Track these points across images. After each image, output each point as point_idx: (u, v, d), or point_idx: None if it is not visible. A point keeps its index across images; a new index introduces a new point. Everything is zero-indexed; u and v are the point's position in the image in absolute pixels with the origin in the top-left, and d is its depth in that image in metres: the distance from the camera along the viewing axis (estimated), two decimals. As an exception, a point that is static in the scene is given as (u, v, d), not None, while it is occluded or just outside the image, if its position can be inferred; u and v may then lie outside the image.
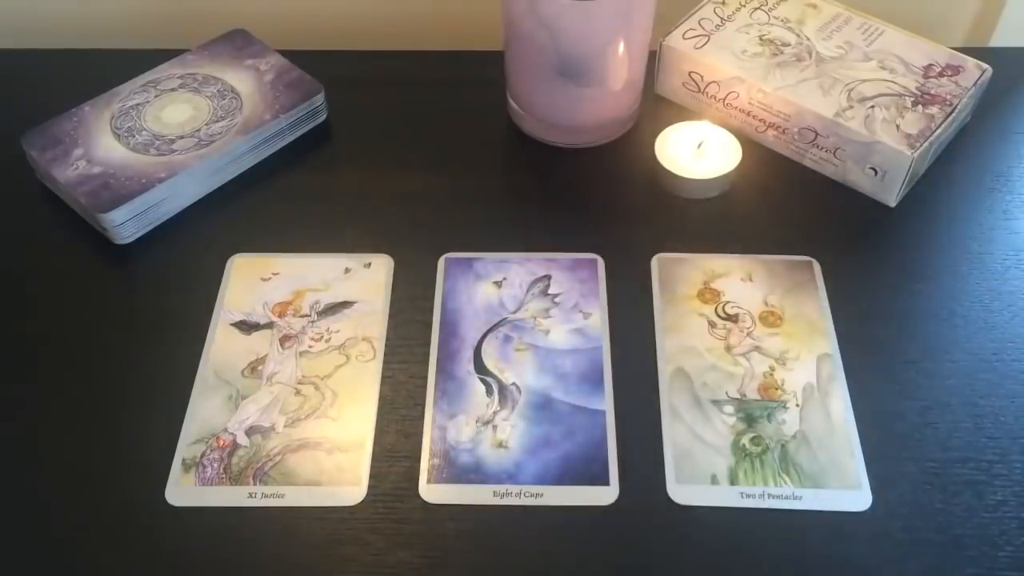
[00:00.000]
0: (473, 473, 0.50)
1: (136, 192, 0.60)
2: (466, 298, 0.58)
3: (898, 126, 0.61)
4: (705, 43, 0.67)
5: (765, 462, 0.51)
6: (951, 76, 0.64)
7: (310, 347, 0.56)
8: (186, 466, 0.51)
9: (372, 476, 0.50)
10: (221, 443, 0.52)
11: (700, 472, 0.50)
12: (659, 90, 0.70)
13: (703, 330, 0.56)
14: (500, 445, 0.51)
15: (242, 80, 0.67)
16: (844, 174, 0.63)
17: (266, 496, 0.50)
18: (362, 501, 0.50)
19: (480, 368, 0.55)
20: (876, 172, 0.62)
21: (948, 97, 0.63)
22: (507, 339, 0.56)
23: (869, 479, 0.50)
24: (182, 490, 0.50)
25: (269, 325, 0.57)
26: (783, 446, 0.51)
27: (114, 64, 0.69)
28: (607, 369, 0.54)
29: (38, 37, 0.79)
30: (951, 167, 0.65)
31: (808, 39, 0.67)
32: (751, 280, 0.58)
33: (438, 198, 0.64)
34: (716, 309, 0.57)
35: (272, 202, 0.64)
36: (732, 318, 0.57)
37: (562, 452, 0.51)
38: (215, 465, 0.51)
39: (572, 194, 0.64)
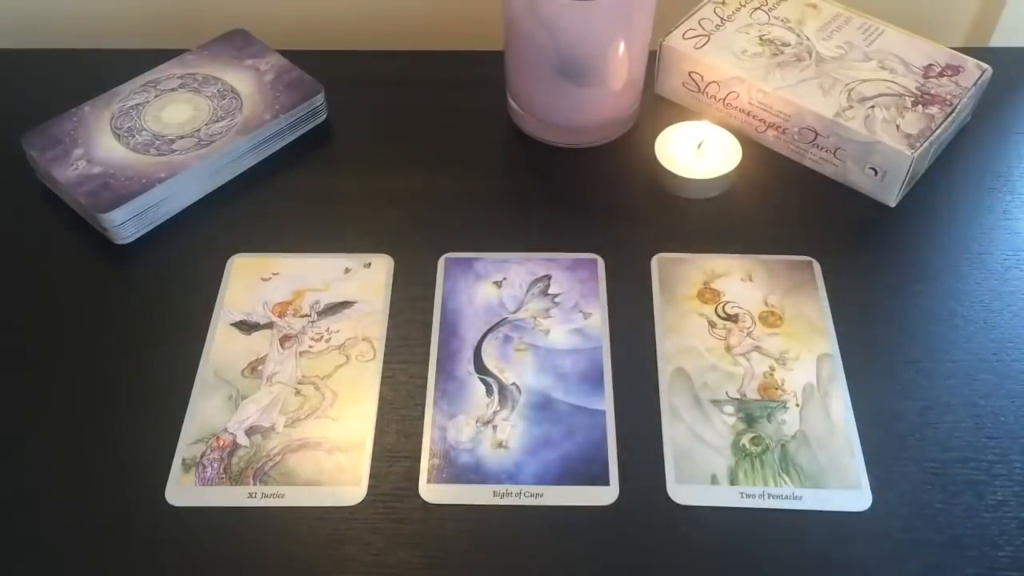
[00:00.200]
0: (473, 473, 0.50)
1: (136, 192, 0.60)
2: (466, 298, 0.58)
3: (898, 126, 0.61)
4: (705, 43, 0.67)
5: (765, 462, 0.51)
6: (951, 76, 0.64)
7: (310, 347, 0.56)
8: (186, 466, 0.51)
9: (372, 476, 0.50)
10: (221, 443, 0.52)
11: (700, 472, 0.50)
12: (659, 90, 0.70)
13: (703, 330, 0.56)
14: (500, 445, 0.51)
15: (242, 80, 0.67)
16: (844, 174, 0.63)
17: (266, 496, 0.50)
18: (362, 501, 0.50)
19: (480, 368, 0.55)
20: (876, 172, 0.62)
21: (948, 97, 0.63)
22: (507, 339, 0.56)
23: (869, 479, 0.50)
24: (182, 490, 0.50)
25: (269, 325, 0.57)
26: (783, 446, 0.51)
27: (114, 64, 0.69)
28: (607, 369, 0.54)
29: (38, 37, 0.79)
30: (951, 167, 0.65)
31: (808, 39, 0.67)
32: (751, 280, 0.59)
33: (438, 198, 0.64)
34: (716, 309, 0.57)
35: (272, 202, 0.64)
36: (732, 318, 0.57)
37: (562, 452, 0.51)
38: (215, 465, 0.51)
39: (572, 194, 0.64)
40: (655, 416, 0.52)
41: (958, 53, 0.66)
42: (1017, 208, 0.63)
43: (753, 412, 0.53)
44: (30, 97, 0.70)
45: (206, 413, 0.53)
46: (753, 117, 0.66)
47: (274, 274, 0.59)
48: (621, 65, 0.62)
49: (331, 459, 0.51)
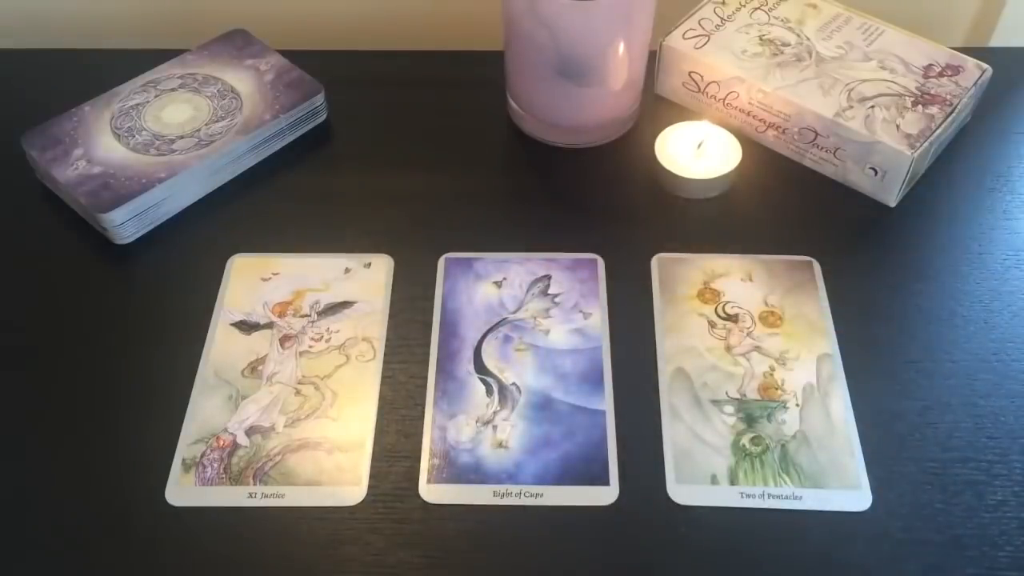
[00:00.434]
0: (473, 473, 0.50)
1: (136, 192, 0.60)
2: (466, 298, 0.58)
3: (898, 126, 0.61)
4: (705, 43, 0.67)
5: (765, 462, 0.51)
6: (951, 76, 0.64)
7: (310, 347, 0.56)
8: (186, 466, 0.51)
9: (372, 476, 0.50)
10: (221, 443, 0.52)
11: (700, 472, 0.50)
12: (659, 90, 0.70)
13: (703, 330, 0.56)
14: (500, 445, 0.51)
15: (242, 80, 0.67)
16: (844, 174, 0.63)
17: (266, 496, 0.50)
18: (362, 501, 0.50)
19: (480, 368, 0.55)
20: (876, 172, 0.62)
21: (948, 97, 0.63)
22: (507, 339, 0.56)
23: (869, 479, 0.50)
24: (182, 490, 0.50)
25: (269, 325, 0.57)
26: (783, 446, 0.51)
27: (114, 64, 0.69)
28: (607, 369, 0.54)
29: (38, 37, 0.79)
30: (951, 167, 0.65)
31: (808, 39, 0.67)
32: (751, 280, 0.59)
33: (438, 198, 0.64)
34: (716, 309, 0.57)
35: (272, 202, 0.64)
36: (732, 318, 0.57)
37: (562, 452, 0.51)
38: (215, 465, 0.51)
39: (572, 194, 0.64)
40: (655, 416, 0.52)
41: (958, 53, 0.66)
42: (1017, 208, 0.63)
43: (753, 412, 0.52)
44: (30, 97, 0.70)
45: (206, 413, 0.53)
46: (753, 117, 0.66)
47: (274, 274, 0.59)
48: (621, 65, 0.62)
49: (331, 459, 0.51)
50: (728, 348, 0.55)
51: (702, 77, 0.67)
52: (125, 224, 0.60)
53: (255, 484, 0.50)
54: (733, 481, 0.50)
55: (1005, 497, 0.49)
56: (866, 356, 0.55)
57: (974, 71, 0.65)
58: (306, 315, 0.57)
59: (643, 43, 0.63)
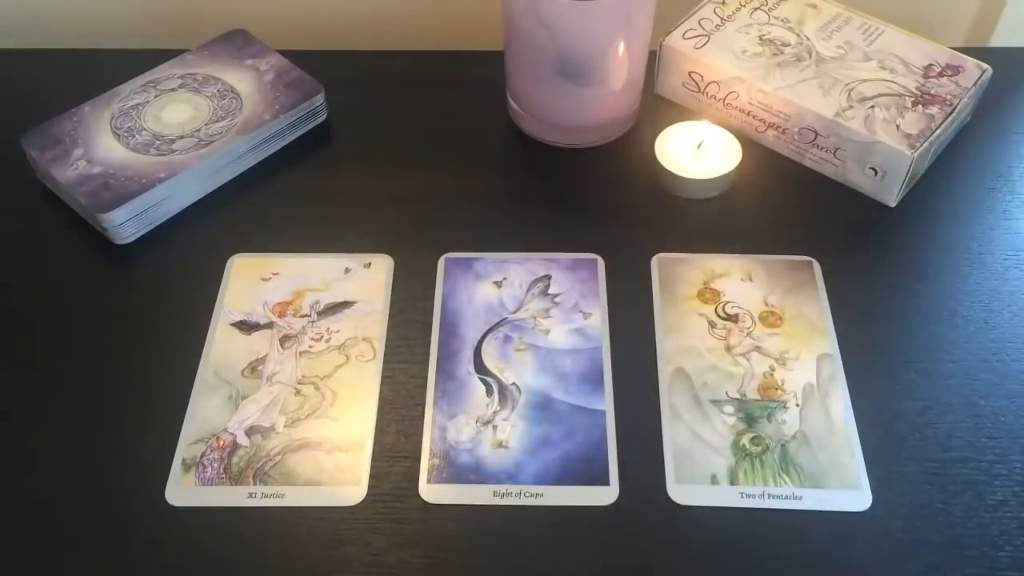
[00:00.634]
0: (473, 473, 0.50)
1: (136, 192, 0.60)
2: (466, 298, 0.58)
3: (898, 126, 0.61)
4: (705, 43, 0.67)
5: (765, 462, 0.51)
6: (951, 76, 0.64)
7: (310, 347, 0.56)
8: (186, 466, 0.51)
9: (372, 476, 0.50)
10: (221, 443, 0.52)
11: (700, 472, 0.50)
12: (659, 90, 0.70)
13: (703, 330, 0.56)
14: (500, 445, 0.51)
15: (242, 80, 0.67)
16: (844, 174, 0.63)
17: (266, 496, 0.50)
18: (362, 501, 0.50)
19: (480, 368, 0.55)
20: (876, 172, 0.62)
21: (948, 97, 0.63)
22: (507, 339, 0.56)
23: (869, 479, 0.50)
24: (182, 490, 0.50)
25: (269, 325, 0.57)
26: (783, 446, 0.51)
27: (114, 64, 0.69)
28: (607, 369, 0.54)
29: (38, 37, 0.79)
30: (951, 167, 0.65)
31: (808, 39, 0.67)
32: (751, 280, 0.59)
33: (438, 198, 0.64)
34: (716, 309, 0.57)
35: (272, 202, 0.64)
36: (732, 318, 0.57)
37: (562, 452, 0.51)
38: (215, 465, 0.51)
39: (572, 194, 0.64)
40: (655, 416, 0.52)
41: (958, 53, 0.66)
42: (1017, 208, 0.63)
43: (753, 412, 0.52)
44: (30, 97, 0.70)
45: (206, 413, 0.53)
46: (753, 117, 0.66)
47: (274, 274, 0.59)
48: (621, 65, 0.62)
49: (331, 459, 0.51)
50: (728, 348, 0.55)
51: (702, 77, 0.67)
52: (125, 224, 0.60)
53: (255, 484, 0.50)
54: (733, 481, 0.50)
55: (1005, 497, 0.49)
56: (866, 356, 0.55)
57: (974, 71, 0.65)
58: (306, 315, 0.57)
59: (643, 43, 0.63)
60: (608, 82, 0.63)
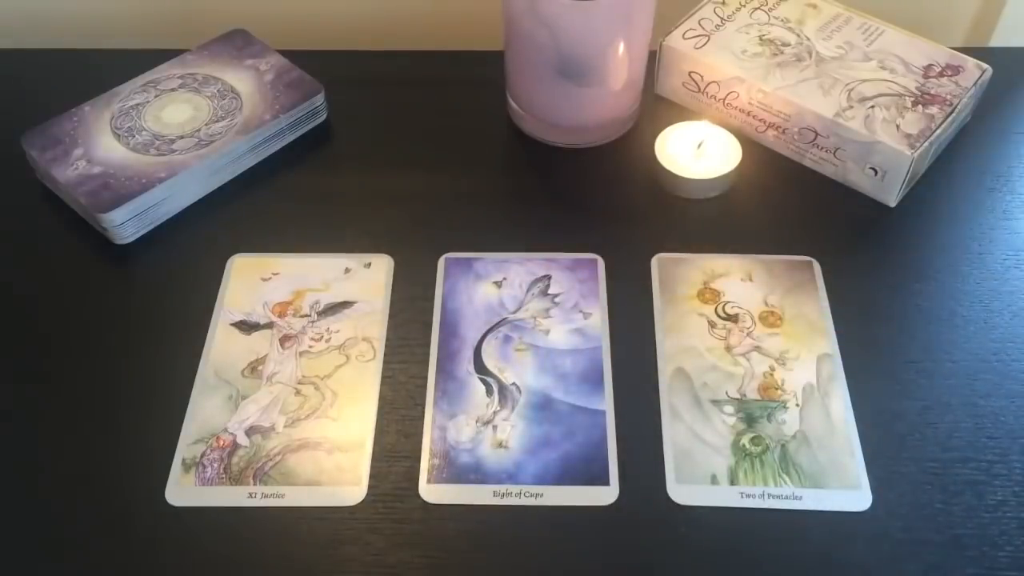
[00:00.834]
0: (473, 473, 0.50)
1: (136, 192, 0.60)
2: (466, 298, 0.58)
3: (898, 126, 0.61)
4: (705, 43, 0.67)
5: (765, 462, 0.51)
6: (951, 76, 0.64)
7: (310, 347, 0.56)
8: (186, 466, 0.51)
9: (372, 476, 0.50)
10: (221, 443, 0.52)
11: (700, 472, 0.50)
12: (659, 90, 0.70)
13: (703, 330, 0.56)
14: (500, 445, 0.51)
15: (242, 80, 0.67)
16: (844, 174, 0.63)
17: (266, 496, 0.50)
18: (362, 501, 0.50)
19: (480, 368, 0.55)
20: (876, 172, 0.62)
21: (948, 97, 0.63)
22: (507, 339, 0.56)
23: (869, 479, 0.50)
24: (182, 490, 0.50)
25: (269, 325, 0.57)
26: (783, 446, 0.51)
27: (114, 64, 0.69)
28: (607, 369, 0.54)
29: (38, 37, 0.79)
30: (951, 167, 0.65)
31: (808, 39, 0.67)
32: (751, 280, 0.59)
33: (438, 198, 0.64)
34: (716, 309, 0.57)
35: (272, 202, 0.64)
36: (732, 318, 0.57)
37: (562, 452, 0.51)
38: (215, 465, 0.51)
39: (572, 194, 0.64)
40: (655, 416, 0.52)
41: (958, 53, 0.66)
42: (1017, 208, 0.63)
43: (753, 412, 0.53)
44: (30, 97, 0.70)
45: (206, 413, 0.53)
46: (753, 117, 0.66)
47: (274, 274, 0.59)
48: (621, 65, 0.62)
49: (331, 459, 0.51)
50: (728, 348, 0.55)
51: (702, 77, 0.67)
52: (125, 224, 0.60)
53: (255, 484, 0.50)
54: (733, 481, 0.50)
55: (1005, 497, 0.49)
56: (866, 356, 0.55)
57: (974, 71, 0.65)
58: (306, 315, 0.57)
59: (643, 43, 0.63)
60: (608, 82, 0.63)
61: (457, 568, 0.48)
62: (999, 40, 0.81)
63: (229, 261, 0.60)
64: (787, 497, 0.49)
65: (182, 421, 0.52)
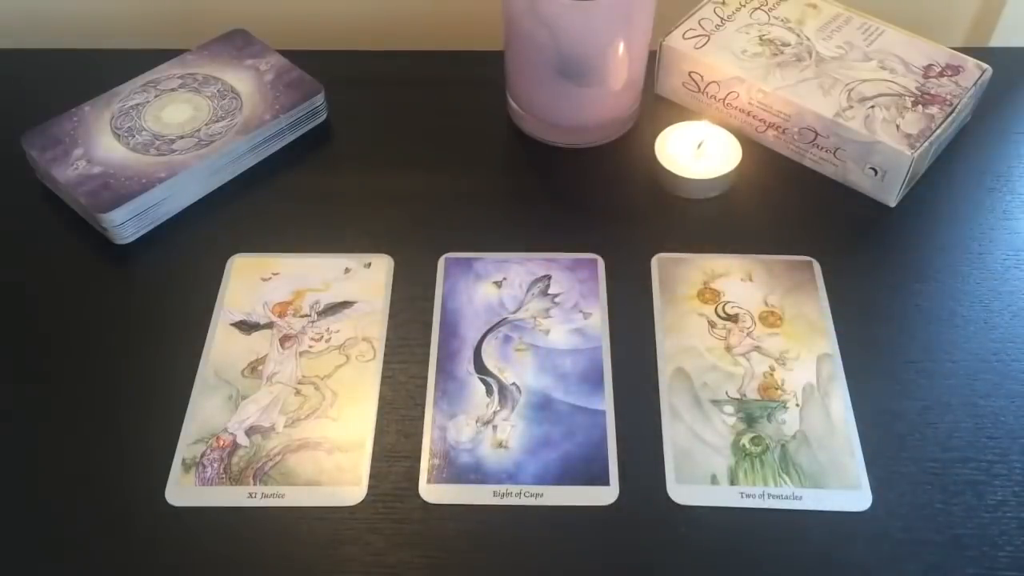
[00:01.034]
0: (473, 473, 0.50)
1: (136, 192, 0.60)
2: (466, 298, 0.58)
3: (898, 126, 0.61)
4: (705, 43, 0.67)
5: (765, 462, 0.51)
6: (951, 76, 0.64)
7: (310, 347, 0.56)
8: (186, 466, 0.51)
9: (372, 476, 0.50)
10: (221, 443, 0.52)
11: (700, 472, 0.50)
12: (659, 90, 0.70)
13: (703, 330, 0.56)
14: (500, 445, 0.51)
15: (242, 80, 0.67)
16: (844, 174, 0.63)
17: (266, 496, 0.50)
18: (362, 501, 0.50)
19: (480, 368, 0.55)
20: (876, 172, 0.62)
21: (948, 97, 0.63)
22: (507, 339, 0.56)
23: (869, 479, 0.50)
24: (182, 490, 0.50)
25: (269, 325, 0.57)
26: (783, 446, 0.51)
27: (114, 64, 0.69)
28: (607, 369, 0.54)
29: (38, 37, 0.79)
30: (951, 167, 0.65)
31: (808, 39, 0.67)
32: (751, 280, 0.59)
33: (438, 198, 0.64)
34: (716, 309, 0.57)
35: (272, 202, 0.64)
36: (732, 318, 0.57)
37: (562, 452, 0.51)
38: (215, 465, 0.51)
39: (572, 194, 0.64)
40: (655, 416, 0.52)
41: (958, 53, 0.66)
42: (1017, 208, 0.63)
43: (753, 412, 0.53)
44: (30, 97, 0.70)
45: (206, 413, 0.53)
46: (753, 117, 0.66)
47: (274, 274, 0.59)
48: (621, 65, 0.62)
49: (331, 459, 0.51)
50: (728, 348, 0.55)
51: (702, 77, 0.67)
52: (125, 224, 0.60)
53: (255, 484, 0.50)
54: (733, 481, 0.50)
55: (1005, 497, 0.49)
56: (866, 356, 0.55)
57: (974, 71, 0.65)
58: (306, 315, 0.57)
59: (643, 43, 0.63)
60: (608, 82, 0.63)
61: (457, 568, 0.48)
62: (999, 40, 0.81)
63: (229, 261, 0.60)
64: (787, 497, 0.49)
65: (182, 421, 0.52)
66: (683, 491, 0.50)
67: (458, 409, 0.53)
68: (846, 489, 0.50)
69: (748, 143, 0.65)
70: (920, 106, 0.62)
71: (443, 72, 0.72)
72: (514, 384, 0.54)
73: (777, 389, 0.53)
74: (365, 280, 0.59)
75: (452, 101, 0.70)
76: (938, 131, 0.61)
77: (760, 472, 0.50)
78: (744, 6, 0.69)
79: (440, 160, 0.66)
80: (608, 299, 0.58)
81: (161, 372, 0.55)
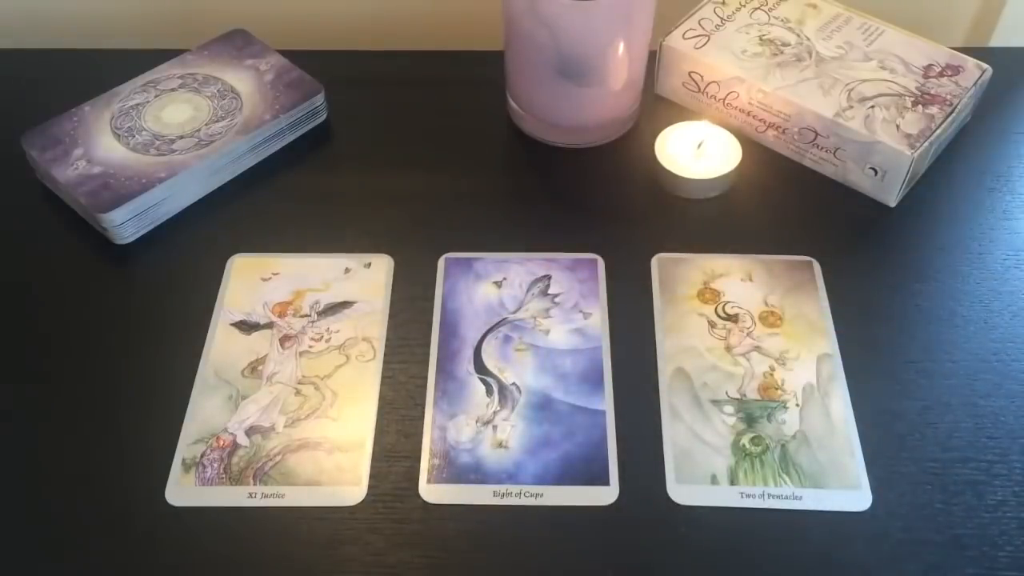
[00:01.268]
0: (473, 473, 0.50)
1: (136, 192, 0.60)
2: (466, 298, 0.58)
3: (898, 126, 0.61)
4: (705, 43, 0.67)
5: (765, 462, 0.51)
6: (951, 76, 0.64)
7: (310, 347, 0.56)
8: (186, 466, 0.51)
9: (372, 476, 0.50)
10: (221, 443, 0.52)
11: (700, 472, 0.50)
12: (659, 90, 0.70)
13: (703, 330, 0.56)
14: (500, 445, 0.51)
15: (242, 80, 0.67)
16: (844, 174, 0.63)
17: (266, 496, 0.50)
18: (362, 501, 0.50)
19: (480, 368, 0.55)
20: (876, 172, 0.62)
21: (948, 97, 0.63)
22: (507, 339, 0.56)
23: (869, 479, 0.50)
24: (182, 490, 0.50)
25: (269, 325, 0.57)
26: (783, 446, 0.51)
27: (114, 64, 0.69)
28: (607, 369, 0.54)
29: (38, 37, 0.79)
30: (951, 167, 0.65)
31: (808, 39, 0.67)
32: (751, 280, 0.59)
33: (438, 198, 0.64)
34: (716, 309, 0.57)
35: (272, 202, 0.64)
36: (732, 318, 0.57)
37: (562, 452, 0.51)
38: (215, 465, 0.51)
39: (572, 194, 0.64)
40: (655, 416, 0.52)
41: (958, 53, 0.66)
42: (1017, 208, 0.63)
43: (753, 412, 0.53)
44: (30, 97, 0.70)
45: (206, 413, 0.53)
46: (753, 117, 0.66)
47: (274, 274, 0.59)
48: (621, 65, 0.62)
49: (331, 459, 0.51)
50: (728, 348, 0.55)
51: (702, 77, 0.67)
52: (125, 224, 0.60)
53: (255, 484, 0.50)
54: (733, 481, 0.50)
55: (1005, 497, 0.49)
56: (866, 356, 0.55)
57: (974, 71, 0.65)
58: (306, 315, 0.57)
59: (643, 43, 0.63)
60: (608, 82, 0.63)
61: (457, 568, 0.48)
62: (999, 40, 0.81)
63: (229, 261, 0.60)
64: (787, 497, 0.49)
65: (182, 421, 0.52)
66: (683, 491, 0.50)
67: (458, 409, 0.53)
68: (846, 489, 0.50)
69: (748, 143, 0.65)
70: (920, 106, 0.62)
71: (443, 72, 0.72)
72: (514, 384, 0.54)
73: (777, 389, 0.53)
74: (365, 280, 0.59)
75: (452, 101, 0.70)
76: (938, 131, 0.61)
77: (760, 472, 0.50)
78: (744, 6, 0.69)
79: (440, 160, 0.66)
80: (608, 299, 0.58)
81: (161, 372, 0.55)
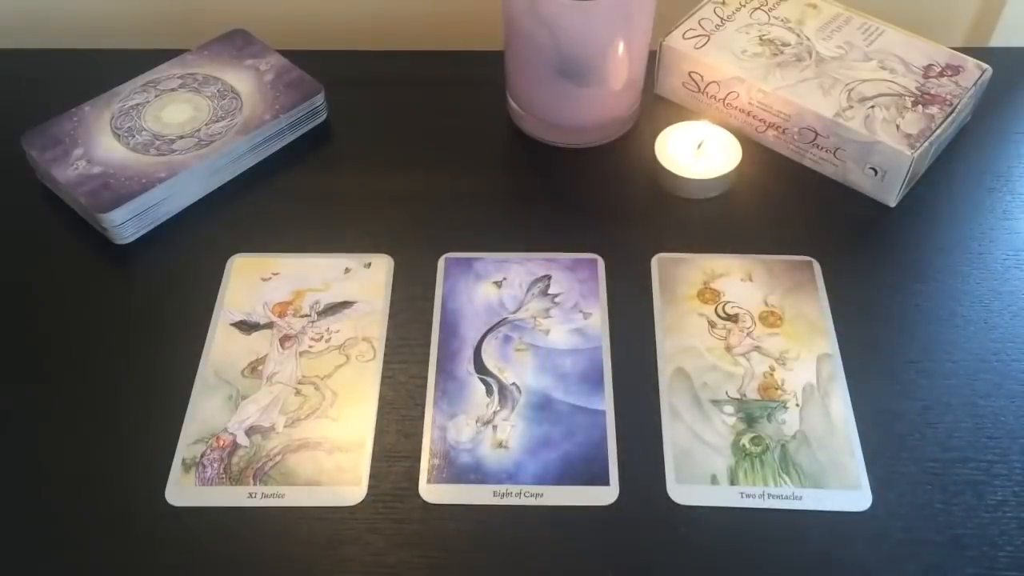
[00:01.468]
0: (473, 473, 0.50)
1: (136, 192, 0.60)
2: (466, 298, 0.58)
3: (898, 126, 0.61)
4: (705, 43, 0.67)
5: (765, 462, 0.51)
6: (951, 76, 0.64)
7: (310, 347, 0.56)
8: (186, 466, 0.51)
9: (372, 476, 0.50)
10: (221, 443, 0.52)
11: (700, 472, 0.50)
12: (659, 90, 0.70)
13: (703, 330, 0.56)
14: (500, 445, 0.51)
15: (242, 80, 0.67)
16: (844, 174, 0.63)
17: (266, 496, 0.50)
18: (362, 501, 0.50)
19: (480, 368, 0.55)
20: (876, 172, 0.62)
21: (948, 97, 0.63)
22: (507, 339, 0.56)
23: (869, 479, 0.50)
24: (182, 490, 0.50)
25: (269, 325, 0.57)
26: (783, 446, 0.51)
27: (114, 64, 0.69)
28: (607, 369, 0.54)
29: (38, 37, 0.79)
30: (951, 167, 0.65)
31: (808, 39, 0.67)
32: (751, 280, 0.59)
33: (438, 198, 0.64)
34: (716, 309, 0.57)
35: (272, 202, 0.64)
36: (732, 318, 0.57)
37: (562, 452, 0.51)
38: (215, 465, 0.51)
39: (572, 194, 0.64)
40: (655, 416, 0.52)
41: (958, 53, 0.66)
42: (1017, 208, 0.63)
43: (753, 412, 0.53)
44: (30, 97, 0.70)
45: (206, 413, 0.53)
46: (753, 117, 0.66)
47: (274, 274, 0.59)
48: (621, 65, 0.62)
49: (331, 459, 0.51)
50: (728, 348, 0.55)
51: (702, 77, 0.67)
52: (125, 224, 0.60)
53: (255, 484, 0.50)
54: (733, 481, 0.50)
55: (1005, 497, 0.49)
56: (866, 356, 0.55)
57: (974, 71, 0.65)
58: (306, 315, 0.57)
59: (643, 43, 0.63)
60: (608, 82, 0.63)
61: (457, 568, 0.48)
62: (999, 40, 0.81)
63: (229, 261, 0.60)
64: (787, 497, 0.49)
65: (182, 421, 0.52)
66: (683, 491, 0.50)
67: (458, 409, 0.53)
68: (846, 489, 0.50)
69: (748, 143, 0.65)
70: (920, 106, 0.62)
71: (443, 72, 0.72)
72: (514, 384, 0.54)
73: (777, 389, 0.53)
74: (365, 280, 0.59)
75: (452, 101, 0.70)
76: (938, 131, 0.61)
77: (760, 472, 0.50)
78: (744, 6, 0.69)
79: (440, 160, 0.66)
80: (608, 299, 0.58)
81: (161, 372, 0.55)
